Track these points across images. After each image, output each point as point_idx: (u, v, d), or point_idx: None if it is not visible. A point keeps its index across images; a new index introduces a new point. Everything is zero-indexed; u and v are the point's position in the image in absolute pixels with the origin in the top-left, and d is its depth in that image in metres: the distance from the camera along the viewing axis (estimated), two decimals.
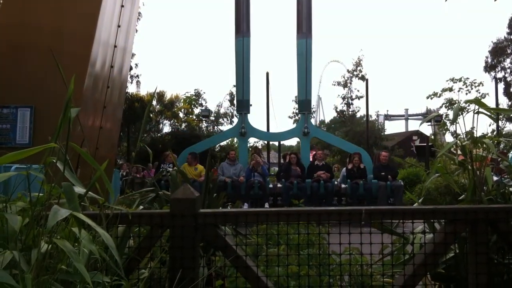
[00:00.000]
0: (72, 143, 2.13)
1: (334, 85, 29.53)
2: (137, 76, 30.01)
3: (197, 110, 31.17)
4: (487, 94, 25.12)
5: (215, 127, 31.41)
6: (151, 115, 27.52)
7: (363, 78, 27.71)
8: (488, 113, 3.66)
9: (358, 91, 28.86)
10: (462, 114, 3.85)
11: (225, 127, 30.79)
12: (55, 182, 2.07)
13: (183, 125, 29.76)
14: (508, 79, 38.27)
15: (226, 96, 31.78)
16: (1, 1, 8.23)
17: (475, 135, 3.67)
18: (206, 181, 4.13)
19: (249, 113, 14.75)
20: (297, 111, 18.12)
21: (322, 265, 3.27)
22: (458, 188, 3.73)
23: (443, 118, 22.46)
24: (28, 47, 7.74)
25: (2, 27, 7.90)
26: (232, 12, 15.03)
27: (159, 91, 30.01)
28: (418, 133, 38.23)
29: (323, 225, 3.16)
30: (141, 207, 3.63)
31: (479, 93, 24.10)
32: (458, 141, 3.70)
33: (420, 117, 60.81)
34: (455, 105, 4.06)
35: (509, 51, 38.11)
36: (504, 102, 36.80)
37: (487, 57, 38.86)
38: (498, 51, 38.13)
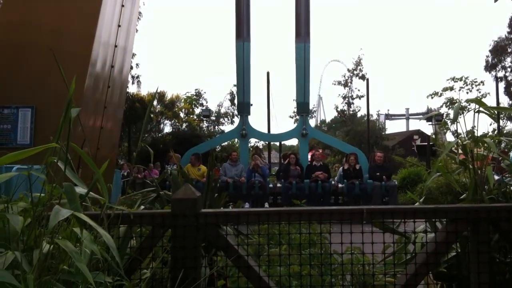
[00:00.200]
0: (72, 144, 2.13)
1: (335, 84, 29.53)
2: (138, 76, 30.03)
3: (197, 110, 31.20)
4: (488, 93, 25.10)
5: (216, 127, 31.41)
6: (152, 115, 27.52)
7: (363, 77, 27.69)
8: (489, 112, 3.65)
9: (358, 90, 28.88)
10: (462, 113, 3.85)
11: (226, 127, 30.84)
12: (56, 183, 2.07)
13: (184, 125, 29.77)
14: (509, 78, 38.24)
15: (226, 96, 31.78)
16: (2, 1, 8.22)
17: (476, 134, 3.67)
18: (208, 181, 4.13)
19: (249, 114, 15.14)
20: None
21: (324, 265, 3.27)
22: (459, 187, 3.73)
23: (444, 117, 22.45)
24: (29, 46, 7.75)
25: (3, 26, 7.91)
26: (232, 12, 15.28)
27: (160, 91, 30.02)
28: (419, 132, 38.22)
29: (325, 224, 3.15)
30: (142, 207, 3.63)
31: (480, 92, 24.09)
32: (459, 140, 3.70)
33: (421, 116, 60.86)
34: (455, 105, 4.05)
35: (509, 50, 38.06)
36: (505, 101, 36.78)
37: (487, 56, 38.85)
38: (499, 50, 38.09)
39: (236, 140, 20.77)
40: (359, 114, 30.40)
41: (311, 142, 22.14)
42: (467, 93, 24.01)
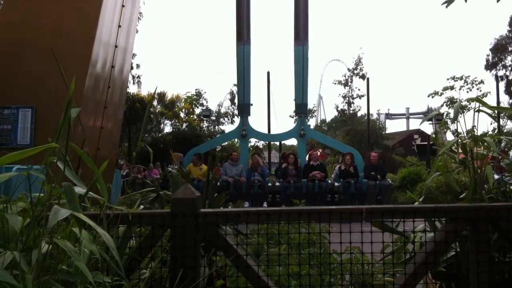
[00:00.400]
0: (72, 144, 2.13)
1: (335, 84, 29.52)
2: (138, 76, 30.03)
3: (198, 110, 31.21)
4: (489, 92, 25.05)
5: (216, 126, 31.41)
6: (151, 115, 27.53)
7: (363, 76, 27.68)
8: (489, 112, 3.65)
9: (359, 90, 28.87)
10: (463, 112, 3.85)
11: (226, 126, 30.87)
12: (55, 183, 2.07)
13: (184, 125, 29.76)
14: (510, 77, 38.20)
15: (226, 95, 31.80)
16: (1, 1, 8.23)
17: (476, 134, 3.67)
18: (207, 181, 4.13)
19: (249, 115, 15.62)
20: None
21: (323, 264, 3.27)
22: (459, 186, 3.73)
23: (444, 116, 22.43)
24: (29, 46, 7.74)
25: (3, 26, 7.91)
26: (232, 12, 15.67)
27: (160, 91, 30.04)
28: (419, 131, 38.13)
29: (324, 224, 3.15)
30: (142, 207, 3.63)
31: (480, 91, 24.06)
32: (459, 140, 3.70)
33: (421, 115, 60.80)
34: (456, 104, 4.05)
35: (510, 49, 38.02)
36: (505, 100, 36.76)
37: (488, 55, 38.82)
38: (500, 49, 38.05)
39: (236, 140, 21.01)
40: (359, 114, 30.45)
41: (312, 142, 22.20)
42: (467, 92, 23.99)
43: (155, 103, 29.15)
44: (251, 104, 15.93)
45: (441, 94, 24.11)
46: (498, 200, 3.44)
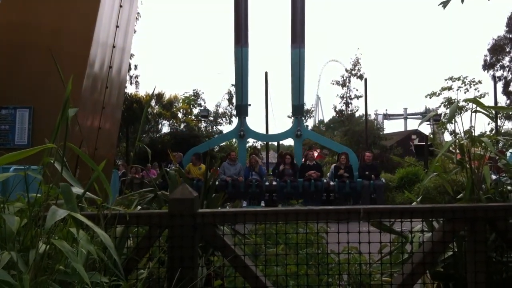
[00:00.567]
0: (70, 144, 2.13)
1: (333, 84, 29.51)
2: (136, 76, 30.02)
3: (196, 110, 31.20)
4: (487, 93, 25.16)
5: (214, 127, 31.42)
6: (149, 116, 27.51)
7: (361, 77, 27.69)
8: (486, 112, 3.66)
9: (357, 90, 28.84)
10: (460, 113, 3.86)
11: (224, 127, 30.90)
12: (53, 183, 2.07)
13: (182, 125, 29.74)
14: (508, 78, 38.24)
15: (224, 96, 31.83)
16: (0, 1, 8.22)
17: (473, 134, 3.67)
18: (205, 181, 4.13)
19: (247, 116, 15.92)
20: None
21: (320, 265, 3.27)
22: (457, 187, 3.74)
23: (442, 117, 22.49)
24: (29, 47, 7.74)
25: (3, 26, 7.91)
26: (230, 13, 15.91)
27: (158, 92, 30.01)
28: (417, 132, 38.15)
29: (322, 224, 3.15)
30: (139, 207, 3.63)
31: (478, 91, 24.15)
32: (457, 140, 3.70)
33: (419, 116, 60.83)
34: (452, 105, 4.05)
35: (508, 49, 38.09)
36: (502, 101, 36.81)
37: (486, 55, 38.86)
38: (497, 49, 38.10)
39: (234, 140, 21.14)
40: (357, 114, 30.35)
41: (310, 142, 22.24)
42: (465, 92, 24.08)
43: (153, 103, 29.13)
44: (249, 105, 16.30)
45: (439, 94, 24.24)
46: (496, 200, 3.44)
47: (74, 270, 1.90)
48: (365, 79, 24.18)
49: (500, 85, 36.94)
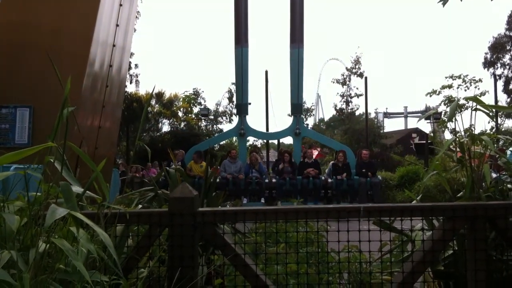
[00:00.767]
0: (70, 143, 2.13)
1: (333, 82, 29.52)
2: (136, 75, 30.02)
3: (196, 109, 31.21)
4: (487, 91, 25.13)
5: (214, 125, 31.42)
6: (149, 115, 27.53)
7: (361, 75, 27.68)
8: (486, 111, 3.66)
9: (357, 89, 28.85)
10: (460, 111, 3.86)
11: (224, 125, 30.90)
12: (53, 182, 2.07)
13: (182, 124, 29.75)
14: (508, 76, 38.16)
15: (225, 94, 31.82)
16: (0, 1, 8.22)
17: (473, 132, 3.67)
18: (206, 180, 4.13)
19: (247, 114, 16.15)
20: None
21: (321, 263, 3.27)
22: (457, 185, 3.74)
23: (442, 115, 22.49)
24: (29, 46, 7.74)
25: (3, 26, 7.91)
26: (230, 11, 16.00)
27: (159, 91, 30.02)
28: (417, 130, 38.15)
29: (322, 222, 3.16)
30: (140, 206, 3.63)
31: (479, 89, 24.13)
32: (457, 138, 3.70)
33: (419, 114, 60.80)
34: (452, 103, 4.05)
35: (508, 47, 38.02)
36: (503, 98, 36.76)
37: (486, 53, 38.78)
38: (498, 47, 38.03)
39: (234, 139, 21.23)
40: (357, 113, 30.36)
41: (310, 141, 22.24)
42: (465, 90, 24.06)
43: (153, 102, 29.13)
44: (249, 104, 16.54)
45: (439, 93, 24.20)
46: (496, 198, 3.44)
47: (75, 269, 1.90)
48: (365, 78, 24.17)
49: (500, 83, 36.89)
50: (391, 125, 62.87)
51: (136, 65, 29.31)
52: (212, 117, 31.06)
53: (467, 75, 24.08)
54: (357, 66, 28.53)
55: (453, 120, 3.75)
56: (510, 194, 3.50)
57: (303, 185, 13.96)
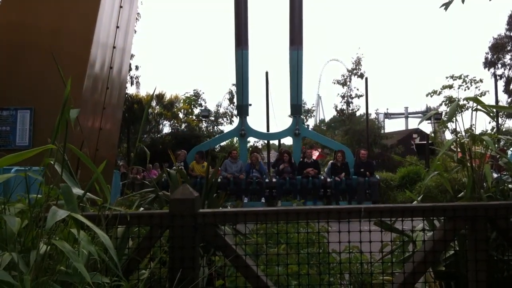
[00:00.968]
0: (70, 145, 2.13)
1: (334, 83, 29.52)
2: (137, 77, 29.99)
3: (196, 110, 31.18)
4: (487, 91, 25.10)
5: (215, 127, 31.41)
6: (150, 116, 27.52)
7: (362, 76, 27.68)
8: (486, 111, 3.65)
9: (357, 89, 28.84)
10: (460, 111, 3.85)
11: (225, 127, 30.90)
12: (53, 184, 2.07)
13: (183, 126, 29.74)
14: (509, 76, 38.12)
15: (225, 95, 31.83)
16: (0, 1, 8.22)
17: (474, 133, 3.67)
18: (206, 181, 4.13)
19: (248, 115, 16.49)
20: None
21: (322, 264, 3.27)
22: (458, 185, 3.74)
23: (443, 116, 22.45)
24: (29, 47, 7.74)
25: (3, 26, 7.90)
26: (230, 11, 16.20)
27: (159, 92, 30.00)
28: (418, 131, 38.12)
29: (323, 223, 3.15)
30: (142, 208, 3.63)
31: (479, 90, 24.09)
32: (458, 139, 3.70)
33: (420, 115, 60.83)
34: (452, 104, 4.05)
35: (509, 48, 37.97)
36: (504, 99, 36.72)
37: (487, 53, 38.73)
38: (498, 47, 37.98)
39: (235, 140, 21.35)
40: (358, 113, 30.35)
41: (311, 141, 22.23)
42: (465, 90, 24.03)
43: (153, 103, 29.13)
44: (250, 105, 16.83)
45: (440, 93, 24.17)
46: (497, 199, 3.44)
47: (75, 270, 1.90)
48: (366, 78, 24.13)
49: (501, 83, 36.86)
50: (392, 126, 62.95)
51: (136, 67, 29.30)
52: (212, 118, 31.06)
53: (467, 75, 24.06)
54: (357, 67, 28.54)
55: (454, 120, 3.75)
56: (511, 195, 3.50)
57: (303, 185, 14.23)
